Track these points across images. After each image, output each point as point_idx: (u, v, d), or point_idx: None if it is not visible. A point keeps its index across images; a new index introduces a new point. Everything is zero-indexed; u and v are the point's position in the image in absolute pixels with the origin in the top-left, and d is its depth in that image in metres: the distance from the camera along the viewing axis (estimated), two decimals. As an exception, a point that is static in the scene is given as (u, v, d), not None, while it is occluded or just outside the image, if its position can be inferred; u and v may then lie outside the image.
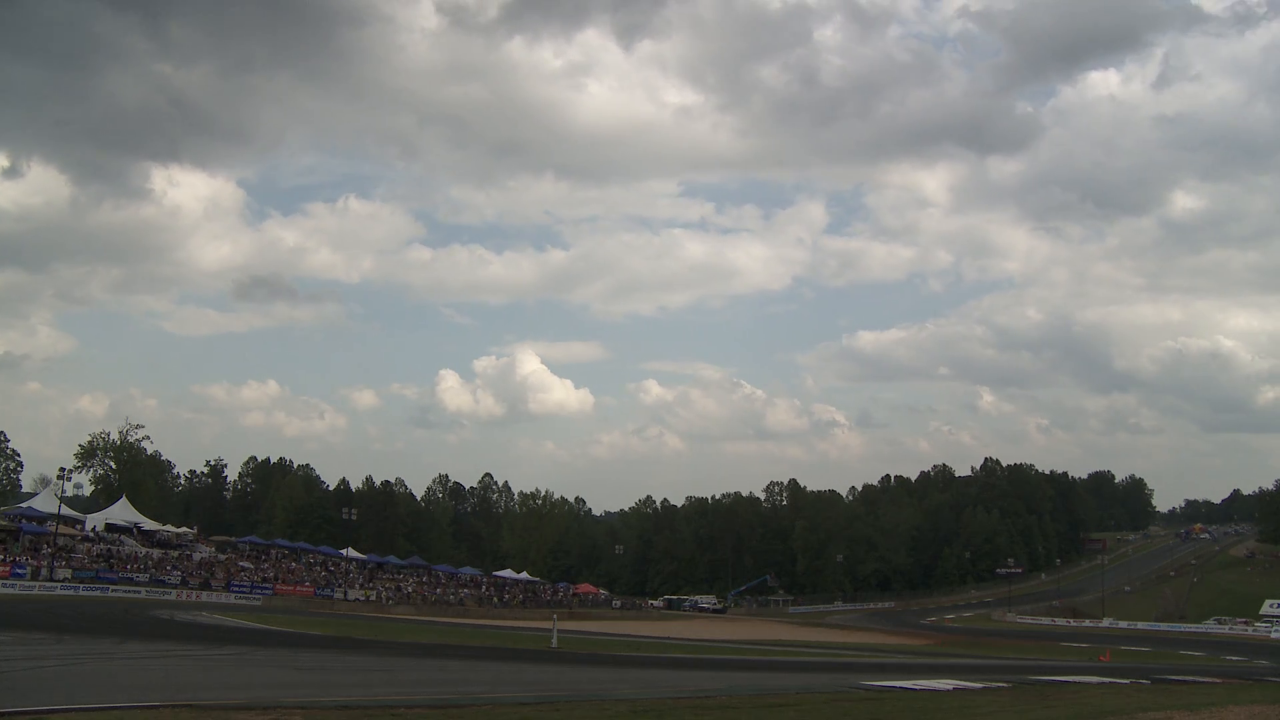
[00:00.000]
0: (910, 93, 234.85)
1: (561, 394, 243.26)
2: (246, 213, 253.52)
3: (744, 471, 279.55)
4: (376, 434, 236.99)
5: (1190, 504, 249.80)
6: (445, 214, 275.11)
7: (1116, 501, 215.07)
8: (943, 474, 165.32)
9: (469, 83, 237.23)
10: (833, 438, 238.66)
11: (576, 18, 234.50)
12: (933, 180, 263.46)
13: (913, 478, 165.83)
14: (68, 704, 11.72)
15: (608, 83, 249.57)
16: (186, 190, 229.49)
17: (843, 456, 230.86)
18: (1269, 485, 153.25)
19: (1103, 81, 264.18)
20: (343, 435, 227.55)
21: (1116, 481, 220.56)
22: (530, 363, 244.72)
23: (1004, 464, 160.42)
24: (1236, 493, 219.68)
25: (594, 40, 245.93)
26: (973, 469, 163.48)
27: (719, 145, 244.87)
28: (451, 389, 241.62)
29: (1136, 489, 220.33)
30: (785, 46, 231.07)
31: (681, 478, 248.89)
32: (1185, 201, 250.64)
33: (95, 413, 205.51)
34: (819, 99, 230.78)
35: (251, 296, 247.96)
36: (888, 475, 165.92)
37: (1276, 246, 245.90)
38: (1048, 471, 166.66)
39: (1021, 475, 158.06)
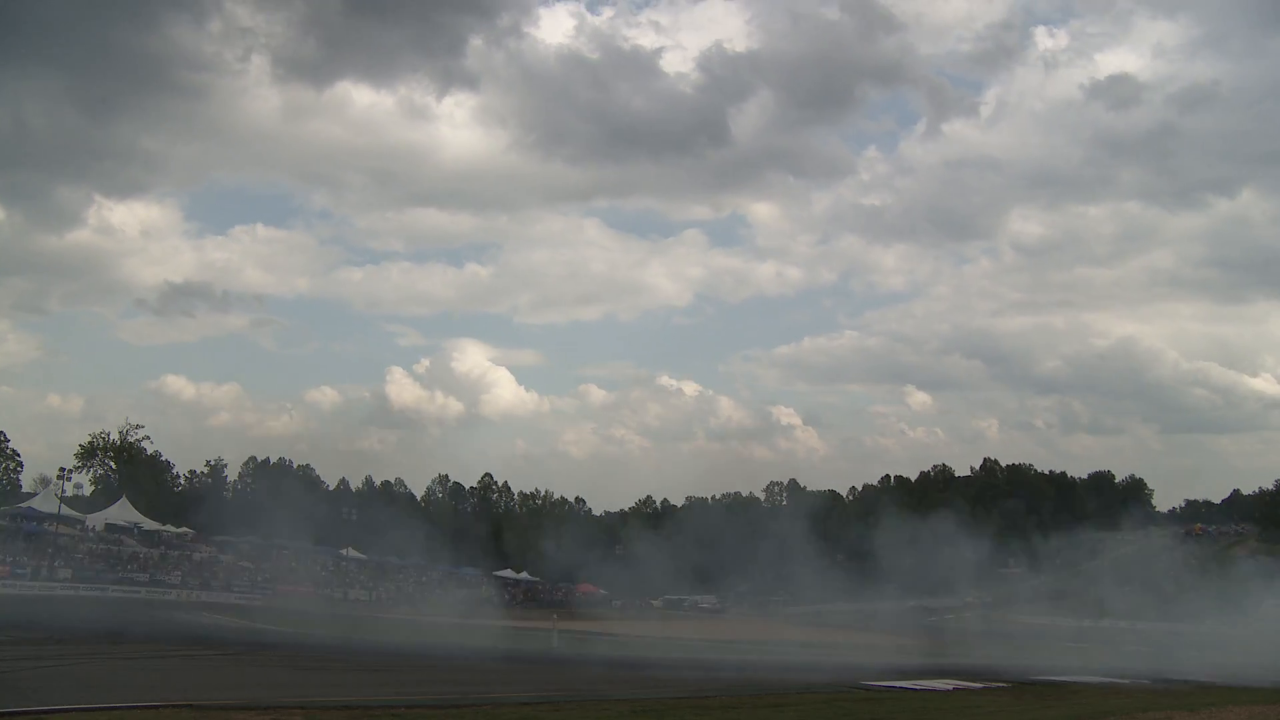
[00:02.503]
0: (714, 129, 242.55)
1: (512, 394, 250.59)
2: (180, 235, 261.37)
3: (717, 471, 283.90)
4: (343, 433, 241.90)
5: (1190, 504, 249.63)
6: (357, 240, 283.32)
7: (1116, 501, 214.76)
8: (942, 473, 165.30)
9: (321, 123, 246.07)
10: (795, 438, 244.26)
11: (390, 70, 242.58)
12: (773, 209, 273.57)
13: (911, 477, 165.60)
14: (68, 704, 11.70)
15: (445, 124, 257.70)
16: (115, 214, 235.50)
17: (810, 457, 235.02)
18: (1269, 485, 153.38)
19: (900, 120, 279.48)
20: (317, 436, 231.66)
21: (1117, 481, 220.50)
22: (478, 364, 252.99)
23: (1003, 464, 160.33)
24: (1236, 493, 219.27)
25: (416, 87, 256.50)
26: (972, 469, 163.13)
27: (568, 179, 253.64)
28: (407, 389, 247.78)
29: (1136, 489, 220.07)
30: (578, 91, 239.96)
31: (659, 477, 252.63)
32: (1026, 228, 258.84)
33: (70, 412, 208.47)
34: (626, 138, 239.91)
35: (191, 310, 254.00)
36: (887, 475, 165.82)
37: (1132, 266, 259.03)
38: (1047, 471, 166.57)
39: (1021, 475, 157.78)
